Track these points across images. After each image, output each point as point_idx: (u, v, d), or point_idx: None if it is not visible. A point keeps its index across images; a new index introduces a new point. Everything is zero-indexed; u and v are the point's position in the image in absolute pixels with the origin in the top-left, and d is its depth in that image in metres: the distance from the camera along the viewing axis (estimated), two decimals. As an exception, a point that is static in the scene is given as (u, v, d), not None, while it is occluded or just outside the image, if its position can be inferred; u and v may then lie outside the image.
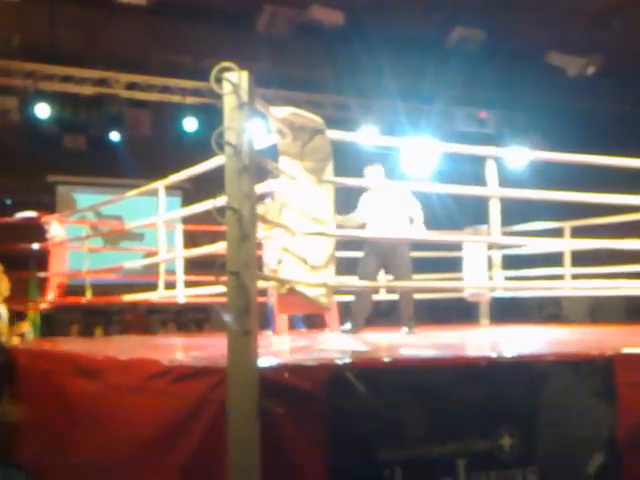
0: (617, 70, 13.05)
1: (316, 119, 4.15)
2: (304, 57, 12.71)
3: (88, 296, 7.80)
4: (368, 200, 6.77)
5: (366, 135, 10.39)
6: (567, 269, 7.96)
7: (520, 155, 6.03)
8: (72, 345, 6.75)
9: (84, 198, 13.36)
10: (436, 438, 3.26)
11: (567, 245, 8.09)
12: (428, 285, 7.04)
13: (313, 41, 12.53)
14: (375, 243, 6.73)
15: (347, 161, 6.10)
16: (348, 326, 6.81)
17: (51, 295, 7.97)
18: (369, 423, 3.14)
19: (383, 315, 13.35)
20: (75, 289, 8.26)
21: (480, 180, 6.66)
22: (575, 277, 7.92)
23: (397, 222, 6.65)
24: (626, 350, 3.92)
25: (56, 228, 8.07)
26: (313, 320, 8.10)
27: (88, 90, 11.73)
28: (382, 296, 8.57)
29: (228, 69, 3.10)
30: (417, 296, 7.59)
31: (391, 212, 6.68)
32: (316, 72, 13.10)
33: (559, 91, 13.26)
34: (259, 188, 3.50)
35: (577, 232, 8.02)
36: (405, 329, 6.77)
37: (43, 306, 8.02)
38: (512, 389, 3.51)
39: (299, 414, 3.03)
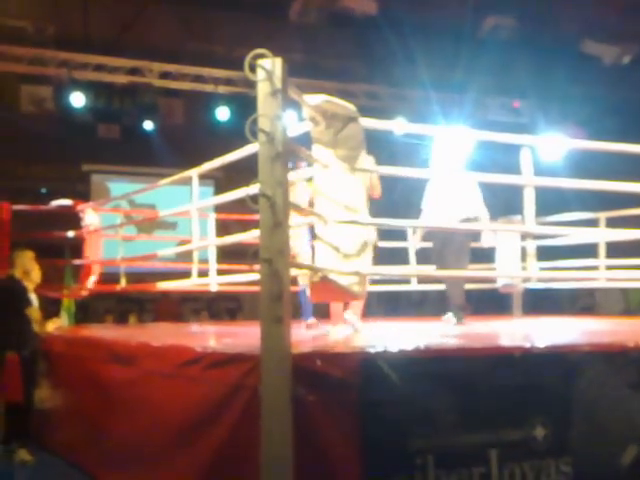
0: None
1: (349, 107, 4.13)
2: (336, 46, 12.68)
3: (122, 284, 7.86)
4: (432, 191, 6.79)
5: (399, 123, 10.34)
6: (602, 260, 7.86)
7: (555, 144, 5.94)
8: (106, 332, 6.82)
9: (118, 187, 13.46)
10: (468, 428, 3.25)
11: (602, 236, 7.99)
12: (460, 275, 6.98)
13: (345, 30, 12.49)
14: (439, 233, 6.71)
15: (380, 151, 6.10)
16: (453, 319, 6.61)
17: (89, 282, 8.04)
18: (401, 411, 3.13)
19: (415, 305, 13.33)
20: (109, 277, 8.33)
21: (513, 171, 6.59)
22: (609, 268, 7.83)
23: (455, 209, 6.61)
24: (662, 341, 3.87)
25: (91, 216, 8.14)
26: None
27: (122, 79, 11.81)
28: (413, 286, 8.55)
29: (262, 56, 3.10)
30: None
31: (451, 199, 6.64)
32: (348, 61, 13.06)
33: (594, 80, 13.09)
34: (292, 175, 3.50)
35: (612, 223, 7.92)
36: (449, 316, 6.65)
37: (79, 293, 8.09)
38: (546, 380, 3.48)
39: (331, 401, 3.04)
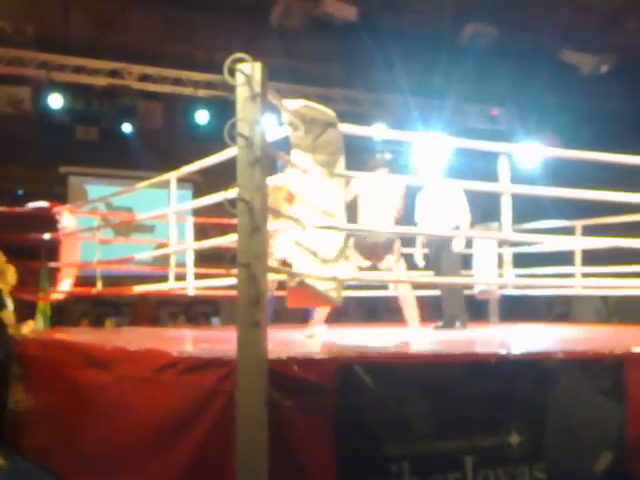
0: (630, 69, 12.99)
1: (328, 112, 4.14)
2: (316, 51, 12.70)
3: (99, 287, 7.81)
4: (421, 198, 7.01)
5: (378, 129, 10.36)
6: (578, 268, 7.93)
7: (532, 152, 5.99)
8: (82, 335, 6.77)
9: (95, 189, 13.38)
10: (444, 434, 3.26)
11: (578, 244, 8.05)
12: (437, 281, 7.02)
13: (326, 35, 12.52)
14: (429, 239, 6.92)
15: (358, 157, 6.11)
16: (458, 324, 6.77)
17: (64, 285, 7.98)
18: (377, 417, 3.14)
19: (393, 311, 13.34)
20: (86, 280, 8.27)
21: (490, 178, 6.64)
22: (586, 276, 7.89)
23: (440, 218, 6.83)
24: (636, 349, 3.90)
25: (67, 219, 8.08)
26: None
27: (101, 81, 11.76)
28: (392, 292, 8.56)
29: (242, 60, 3.10)
30: (426, 293, 7.61)
31: (435, 208, 6.87)
32: (328, 66, 13.09)
33: (572, 89, 13.21)
34: (270, 180, 3.50)
35: (588, 231, 7.98)
36: (440, 324, 6.79)
37: (54, 297, 8.03)
38: (521, 386, 3.50)
39: (307, 407, 3.03)
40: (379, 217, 6.08)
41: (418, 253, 7.09)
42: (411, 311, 6.36)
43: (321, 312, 5.83)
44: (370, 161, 6.41)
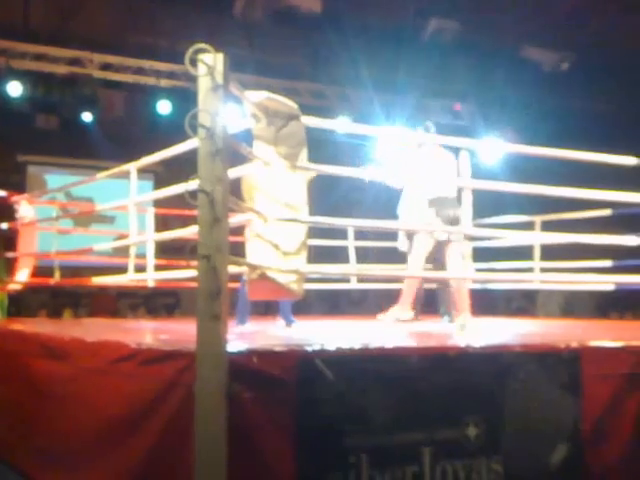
0: (590, 67, 13.16)
1: (291, 104, 4.13)
2: (280, 43, 12.66)
3: (57, 278, 7.72)
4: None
5: (341, 123, 10.37)
6: (537, 262, 8.03)
7: (493, 147, 6.06)
8: (40, 326, 6.68)
9: (55, 179, 13.21)
10: (403, 426, 3.27)
11: (537, 239, 8.15)
12: (396, 275, 7.06)
13: (290, 27, 12.48)
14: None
15: (322, 150, 6.11)
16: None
17: (22, 276, 7.88)
18: (336, 410, 3.14)
19: (355, 304, 13.41)
20: (44, 270, 8.17)
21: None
22: (544, 271, 7.99)
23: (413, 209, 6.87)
24: (593, 343, 3.96)
25: (25, 208, 7.97)
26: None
27: (62, 69, 11.60)
28: (353, 285, 8.60)
29: (204, 50, 3.07)
30: (386, 286, 7.65)
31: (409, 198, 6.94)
32: (292, 59, 13.07)
33: (533, 86, 13.34)
34: (232, 172, 3.48)
35: (547, 226, 8.09)
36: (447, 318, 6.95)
37: (11, 287, 7.92)
38: (479, 379, 3.53)
39: (267, 399, 3.03)
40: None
41: (402, 239, 7.16)
42: (462, 302, 6.32)
43: (463, 302, 6.05)
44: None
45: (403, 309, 6.40)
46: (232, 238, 3.21)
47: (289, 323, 6.26)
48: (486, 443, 3.43)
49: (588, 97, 13.84)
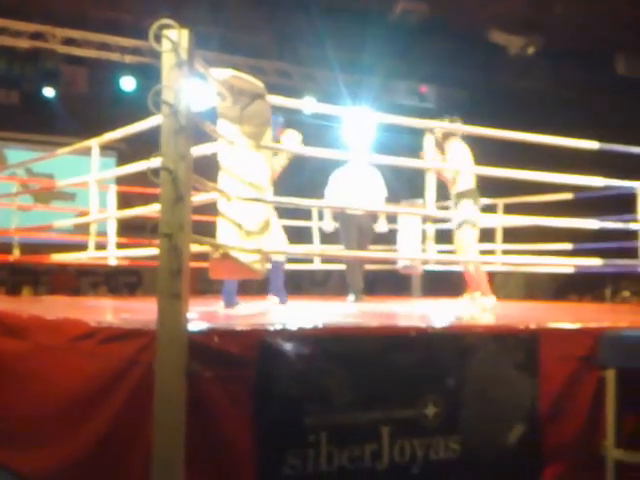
0: (556, 51, 13.23)
1: (257, 83, 4.11)
2: (246, 21, 12.54)
3: (16, 254, 7.63)
4: (339, 175, 7.24)
5: (306, 103, 10.34)
6: (498, 245, 8.11)
7: (455, 130, 6.14)
8: (-2, 304, 6.60)
9: (15, 154, 12.98)
10: (362, 405, 3.30)
11: (499, 221, 8.23)
12: (361, 255, 7.10)
13: (257, 6, 12.37)
14: (352, 215, 7.10)
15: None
16: (352, 297, 7.12)
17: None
18: (296, 389, 3.16)
19: (318, 284, 13.44)
20: (3, 247, 8.07)
21: (416, 155, 6.72)
22: (506, 253, 8.08)
23: (366, 194, 7.10)
24: (551, 324, 4.02)
25: (-15, 184, 7.87)
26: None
27: (24, 44, 11.39)
28: (317, 266, 8.63)
29: (168, 26, 3.04)
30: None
31: (359, 185, 7.15)
32: (258, 37, 12.95)
33: (499, 69, 13.40)
34: (195, 150, 3.46)
35: (509, 209, 8.17)
36: (351, 297, 7.12)
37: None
38: (439, 359, 3.57)
39: (227, 378, 3.03)
40: None
41: (327, 222, 7.28)
42: (481, 282, 6.36)
43: (482, 283, 6.17)
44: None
45: (486, 295, 6.39)
46: (196, 217, 3.20)
47: (283, 301, 6.27)
48: (444, 422, 3.47)
49: (553, 81, 13.94)
